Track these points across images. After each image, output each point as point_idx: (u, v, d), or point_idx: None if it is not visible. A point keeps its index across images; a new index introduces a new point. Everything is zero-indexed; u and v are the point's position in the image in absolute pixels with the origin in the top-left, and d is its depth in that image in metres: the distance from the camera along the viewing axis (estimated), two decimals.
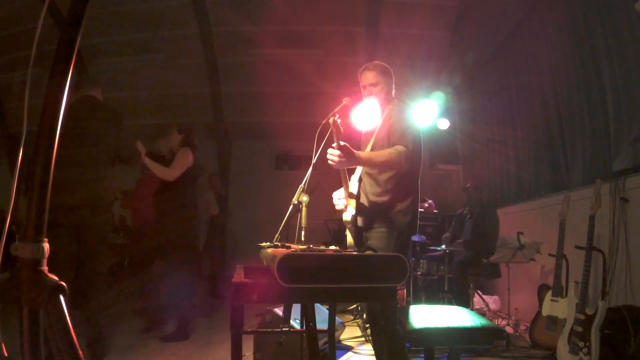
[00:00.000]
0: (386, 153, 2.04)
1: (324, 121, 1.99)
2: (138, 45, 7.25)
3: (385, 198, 2.16)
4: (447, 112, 6.01)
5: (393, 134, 2.14)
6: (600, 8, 3.45)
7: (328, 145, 1.99)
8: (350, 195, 2.22)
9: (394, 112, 2.21)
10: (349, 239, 2.32)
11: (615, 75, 3.29)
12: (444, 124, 5.86)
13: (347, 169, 2.14)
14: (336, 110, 2.14)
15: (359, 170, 2.29)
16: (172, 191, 3.56)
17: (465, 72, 6.54)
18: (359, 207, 2.22)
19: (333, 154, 1.90)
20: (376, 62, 2.35)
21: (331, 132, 1.92)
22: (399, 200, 2.15)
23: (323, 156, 1.99)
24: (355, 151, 1.95)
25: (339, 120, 1.90)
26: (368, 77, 2.27)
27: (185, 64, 7.71)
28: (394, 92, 2.36)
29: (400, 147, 2.04)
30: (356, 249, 2.23)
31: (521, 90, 4.96)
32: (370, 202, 2.20)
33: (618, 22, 3.23)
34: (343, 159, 1.90)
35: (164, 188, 3.62)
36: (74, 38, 0.78)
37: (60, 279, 0.76)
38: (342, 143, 1.91)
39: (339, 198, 2.28)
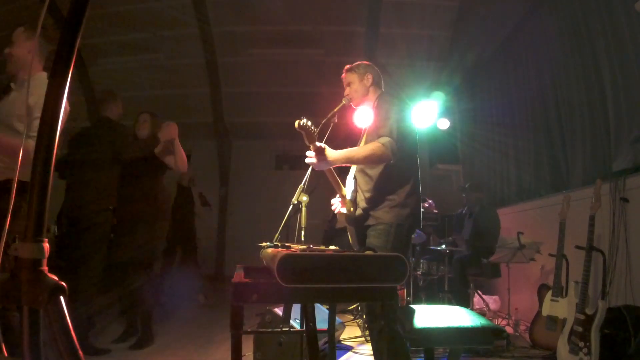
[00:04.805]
0: (368, 147, 2.02)
1: (323, 121, 2.00)
2: (138, 45, 7.24)
3: (378, 193, 2.14)
4: (447, 112, 6.00)
5: (378, 127, 2.11)
6: (600, 8, 3.45)
7: (328, 144, 2.00)
8: (344, 196, 2.23)
9: (378, 105, 2.22)
10: (351, 238, 2.32)
11: (615, 75, 3.28)
12: (444, 124, 5.86)
13: (340, 169, 2.14)
14: (335, 110, 2.15)
15: (353, 168, 2.29)
16: (143, 185, 3.32)
17: (465, 72, 6.53)
18: (357, 205, 2.21)
19: (309, 156, 1.96)
20: (357, 62, 2.36)
21: (302, 136, 1.92)
22: (392, 193, 2.12)
23: None
24: (331, 151, 1.96)
25: (309, 123, 1.87)
26: (345, 79, 2.36)
27: (185, 64, 7.70)
28: (382, 86, 2.36)
29: (384, 139, 2.00)
30: (357, 248, 2.23)
31: (521, 90, 4.95)
32: (366, 199, 2.18)
33: (618, 22, 3.23)
34: (318, 161, 1.95)
35: (135, 184, 3.32)
36: (74, 38, 0.78)
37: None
38: (318, 144, 1.92)
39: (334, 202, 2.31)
